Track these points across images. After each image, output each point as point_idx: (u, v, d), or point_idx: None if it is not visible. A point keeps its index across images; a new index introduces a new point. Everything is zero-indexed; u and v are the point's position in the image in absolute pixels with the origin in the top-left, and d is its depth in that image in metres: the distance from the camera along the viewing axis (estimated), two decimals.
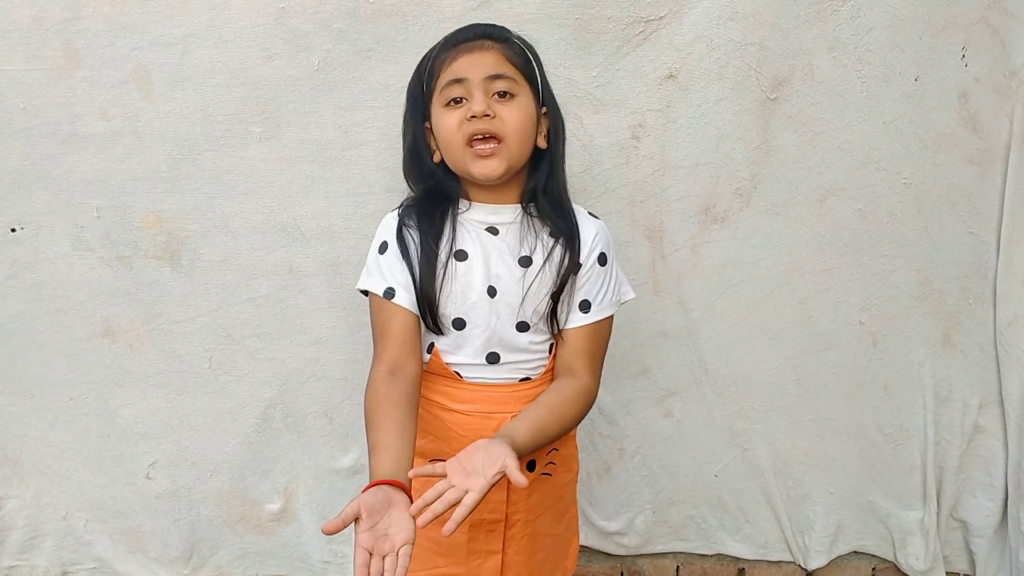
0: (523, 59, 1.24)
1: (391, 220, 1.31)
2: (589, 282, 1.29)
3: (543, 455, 1.34)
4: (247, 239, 1.68)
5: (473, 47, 1.19)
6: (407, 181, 1.33)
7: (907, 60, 1.64)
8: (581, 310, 1.29)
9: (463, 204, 1.29)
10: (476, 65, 1.18)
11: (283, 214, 1.66)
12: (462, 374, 1.28)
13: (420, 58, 1.29)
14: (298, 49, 1.57)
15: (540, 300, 1.26)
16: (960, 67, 1.65)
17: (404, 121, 1.31)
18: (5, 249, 1.69)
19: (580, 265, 1.28)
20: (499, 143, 1.20)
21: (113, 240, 1.68)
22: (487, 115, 1.18)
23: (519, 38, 1.26)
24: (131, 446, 1.82)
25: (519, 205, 1.29)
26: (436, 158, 1.27)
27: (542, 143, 1.28)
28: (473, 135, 1.19)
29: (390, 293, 1.24)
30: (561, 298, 1.27)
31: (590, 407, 1.29)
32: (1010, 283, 1.75)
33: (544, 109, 1.28)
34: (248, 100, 1.60)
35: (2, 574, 1.91)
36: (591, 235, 1.30)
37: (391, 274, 1.25)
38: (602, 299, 1.30)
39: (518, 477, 1.03)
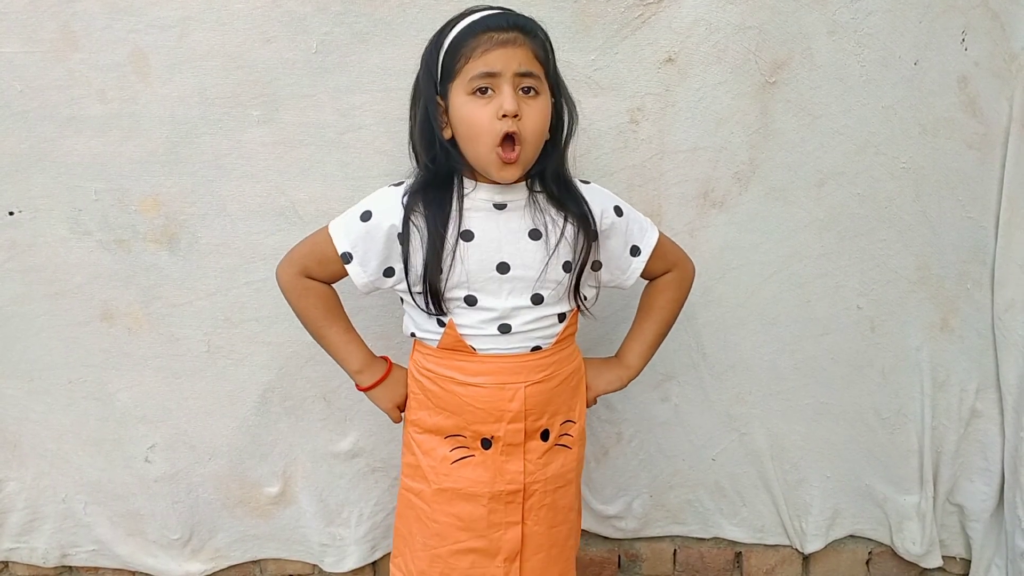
0: (545, 54, 1.24)
1: (390, 198, 1.32)
2: (621, 234, 1.38)
3: (557, 426, 1.38)
4: (245, 222, 1.68)
5: (506, 40, 1.19)
6: (413, 151, 1.34)
7: (907, 44, 1.63)
8: (633, 255, 1.40)
9: (468, 184, 1.31)
10: (510, 60, 1.19)
11: (281, 198, 1.66)
12: (475, 347, 1.31)
13: (434, 32, 1.28)
14: (296, 32, 1.57)
15: (559, 275, 1.30)
16: (960, 51, 1.65)
17: (415, 89, 1.31)
18: (3, 232, 1.69)
19: (597, 235, 1.34)
20: (520, 148, 1.22)
21: (111, 223, 1.68)
22: (516, 115, 1.19)
23: (541, 28, 1.26)
24: (130, 429, 1.82)
25: (524, 184, 1.32)
26: (447, 134, 1.27)
27: (546, 134, 1.29)
28: (504, 136, 1.20)
29: (347, 257, 1.31)
30: (584, 276, 1.33)
31: (693, 275, 1.51)
32: (1008, 268, 1.75)
33: (552, 99, 1.29)
34: (246, 83, 1.59)
35: (2, 556, 1.92)
36: (597, 203, 1.35)
37: (360, 243, 1.31)
38: (643, 236, 1.40)
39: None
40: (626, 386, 1.52)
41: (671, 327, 1.52)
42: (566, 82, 1.33)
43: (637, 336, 1.52)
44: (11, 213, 1.68)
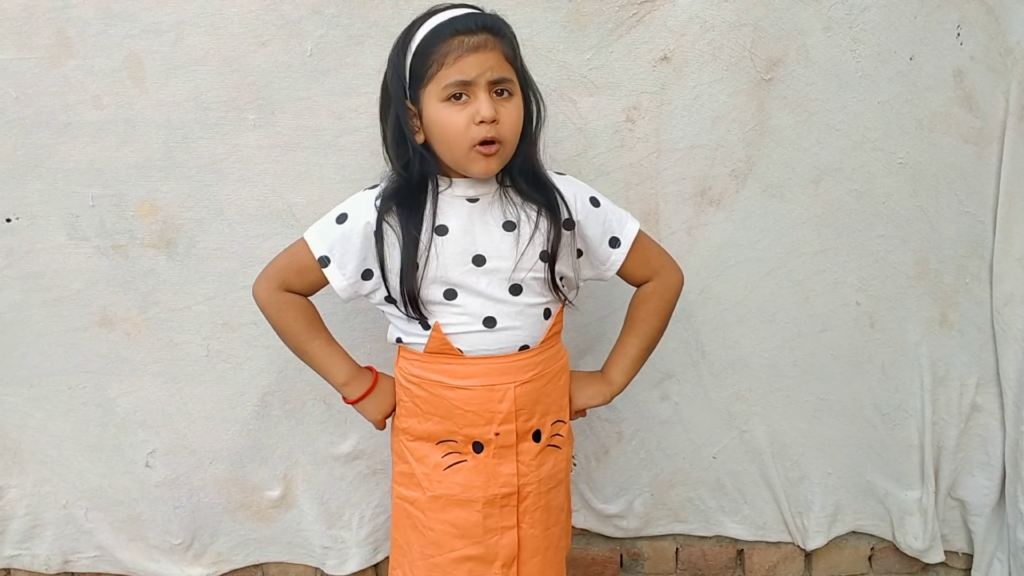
0: (514, 52, 1.24)
1: (364, 201, 1.32)
2: (599, 224, 1.36)
3: (548, 426, 1.37)
4: (242, 226, 1.68)
5: (476, 45, 1.17)
6: (387, 156, 1.32)
7: (902, 39, 1.63)
8: (612, 247, 1.37)
9: (443, 183, 1.30)
10: (483, 67, 1.18)
11: (278, 201, 1.66)
12: (463, 349, 1.30)
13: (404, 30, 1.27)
14: (291, 35, 1.57)
15: (533, 263, 1.29)
16: (955, 45, 1.65)
17: (384, 94, 1.30)
18: (1, 239, 1.69)
19: (573, 223, 1.32)
20: (499, 144, 1.22)
21: (108, 229, 1.68)
22: (494, 120, 1.19)
23: (506, 24, 1.25)
24: (130, 435, 1.82)
25: (493, 178, 1.31)
26: (420, 139, 1.26)
27: None
28: (482, 140, 1.20)
29: (324, 261, 1.31)
30: (559, 263, 1.31)
31: (679, 287, 1.46)
32: (1006, 262, 1.75)
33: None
34: (241, 87, 1.59)
35: (3, 563, 1.92)
36: (570, 191, 1.34)
37: (337, 246, 1.30)
38: (622, 227, 1.37)
39: None
40: (609, 401, 1.49)
41: (656, 342, 1.48)
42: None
43: (619, 351, 1.49)
44: (8, 220, 1.68)
